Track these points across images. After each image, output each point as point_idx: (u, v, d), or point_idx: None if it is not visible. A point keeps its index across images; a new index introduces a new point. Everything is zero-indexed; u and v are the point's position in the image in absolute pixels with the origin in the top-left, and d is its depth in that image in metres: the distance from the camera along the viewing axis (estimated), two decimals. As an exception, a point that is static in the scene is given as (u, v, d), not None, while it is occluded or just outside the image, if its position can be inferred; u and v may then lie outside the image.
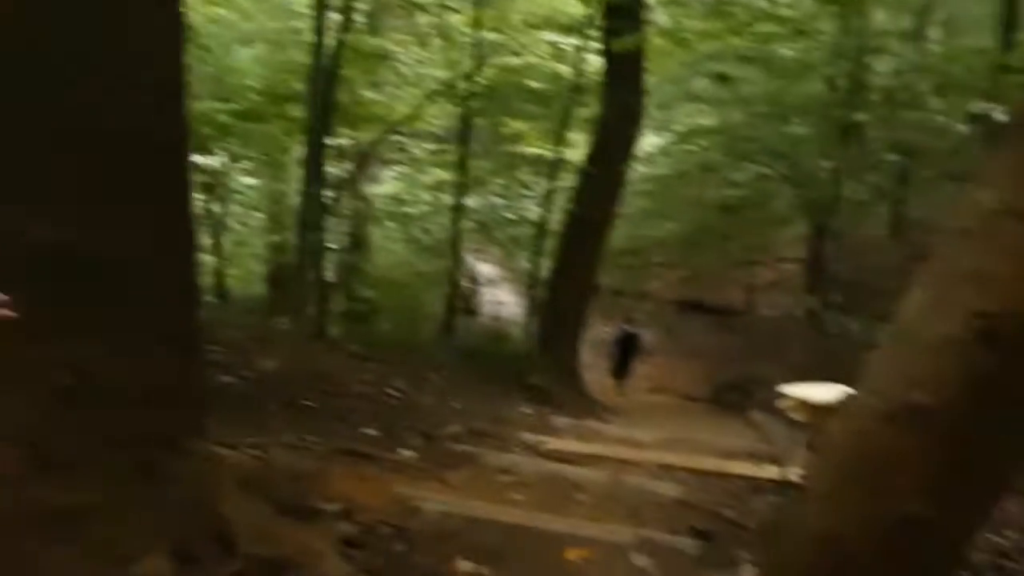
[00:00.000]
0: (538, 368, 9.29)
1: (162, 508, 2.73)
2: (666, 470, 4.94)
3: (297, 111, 9.83)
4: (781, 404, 2.35)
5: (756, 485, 4.76)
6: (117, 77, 2.57)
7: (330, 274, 11.41)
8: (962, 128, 12.86)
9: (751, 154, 14.88)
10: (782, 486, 4.70)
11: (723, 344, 17.11)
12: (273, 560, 2.87)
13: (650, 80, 11.14)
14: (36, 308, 2.30)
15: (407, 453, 4.45)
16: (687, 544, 3.38)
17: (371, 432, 4.69)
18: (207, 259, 12.21)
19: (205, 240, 11.55)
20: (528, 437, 5.38)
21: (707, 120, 16.36)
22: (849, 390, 2.31)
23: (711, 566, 3.22)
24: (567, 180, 13.77)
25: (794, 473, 4.85)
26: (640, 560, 3.18)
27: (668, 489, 4.34)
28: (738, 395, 14.51)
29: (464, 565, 3.07)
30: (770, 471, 4.94)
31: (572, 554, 3.18)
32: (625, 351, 12.55)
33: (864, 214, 15.18)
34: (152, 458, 2.71)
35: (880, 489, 1.99)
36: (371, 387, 5.87)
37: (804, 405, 2.25)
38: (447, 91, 12.05)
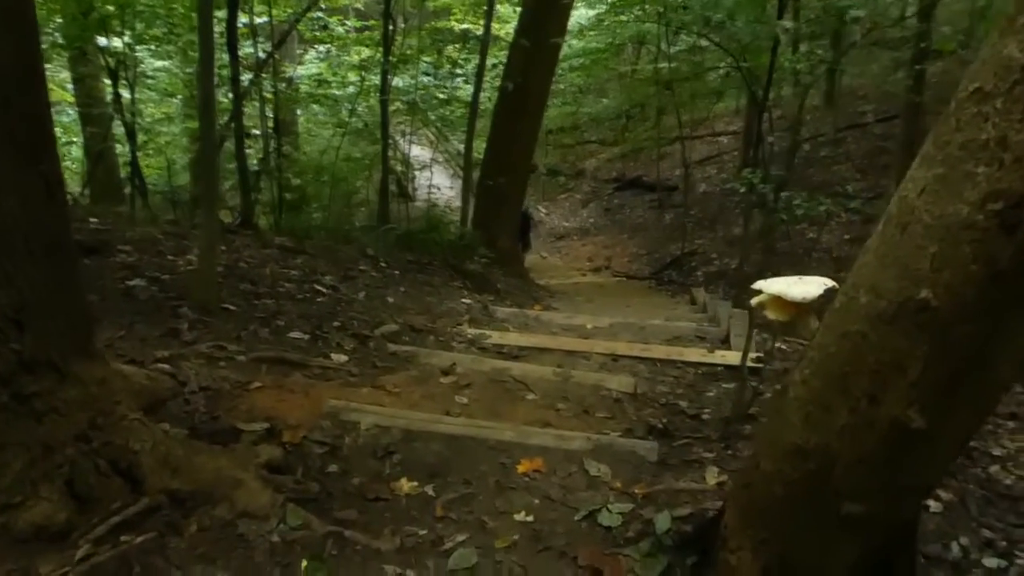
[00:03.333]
0: (476, 254, 8.96)
1: (48, 444, 2.37)
2: (616, 360, 4.72)
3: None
4: (754, 302, 2.05)
5: (709, 372, 4.58)
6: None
7: (254, 161, 10.78)
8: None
9: (686, 24, 14.33)
10: (735, 372, 4.53)
11: (661, 221, 16.99)
12: (186, 494, 2.56)
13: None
14: None
15: (339, 358, 4.11)
16: (645, 447, 3.16)
17: (298, 336, 4.32)
18: (120, 150, 11.43)
19: (116, 128, 10.77)
20: (470, 331, 5.08)
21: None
22: (830, 284, 2.03)
23: (673, 470, 3.01)
24: (498, 56, 13.12)
25: (747, 357, 4.70)
26: (597, 468, 2.94)
27: (619, 382, 4.11)
28: (678, 272, 14.51)
29: (406, 485, 2.79)
30: (722, 356, 4.77)
31: (523, 467, 2.93)
32: (523, 228, 12.49)
33: (799, 84, 14.90)
34: (28, 389, 2.32)
35: (873, 397, 1.73)
36: (298, 284, 5.46)
37: (781, 302, 1.95)
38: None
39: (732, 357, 4.76)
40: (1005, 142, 1.45)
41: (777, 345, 4.88)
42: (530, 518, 2.63)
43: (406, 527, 2.56)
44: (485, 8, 10.29)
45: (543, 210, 19.30)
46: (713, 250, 14.79)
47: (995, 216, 1.47)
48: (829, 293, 1.95)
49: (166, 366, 3.50)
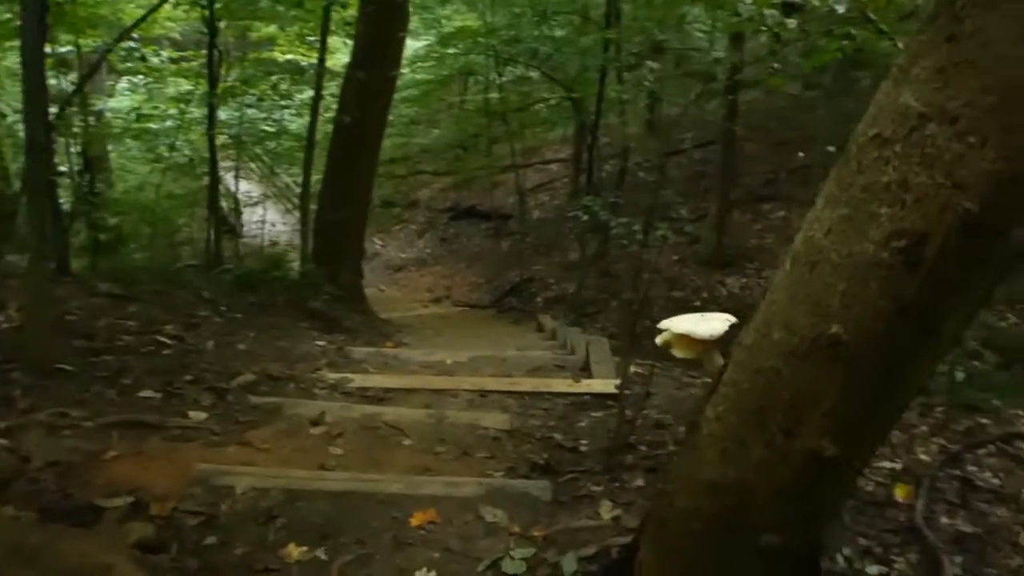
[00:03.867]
0: (320, 292, 8.71)
1: None
2: (484, 396, 4.69)
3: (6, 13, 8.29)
4: (659, 340, 2.08)
5: (577, 402, 4.63)
6: None
7: (65, 202, 10.02)
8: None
9: (514, 56, 14.68)
10: (602, 400, 4.62)
11: (498, 249, 17.22)
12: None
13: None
14: None
15: (198, 415, 3.84)
16: (539, 487, 3.14)
17: (149, 394, 4.01)
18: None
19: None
20: (330, 376, 4.90)
21: (468, 21, 15.89)
22: (732, 319, 2.09)
23: (567, 508, 3.00)
24: (328, 87, 12.89)
25: (609, 384, 4.79)
26: (493, 514, 2.89)
27: (495, 420, 4.08)
28: (518, 298, 14.72)
29: (295, 551, 2.63)
30: (588, 385, 4.84)
31: (417, 519, 2.83)
32: None
33: (624, 112, 15.57)
34: None
35: (788, 430, 1.79)
36: (139, 336, 5.09)
37: (687, 340, 1.99)
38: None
39: (597, 385, 4.85)
40: (906, 184, 1.54)
41: (633, 370, 5.00)
42: (433, 574, 2.54)
43: (302, 598, 2.41)
44: (319, 40, 10.09)
45: (379, 242, 19.10)
46: (551, 275, 15.12)
47: (899, 253, 1.56)
48: (732, 329, 2.00)
49: (3, 441, 3.15)
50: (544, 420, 4.27)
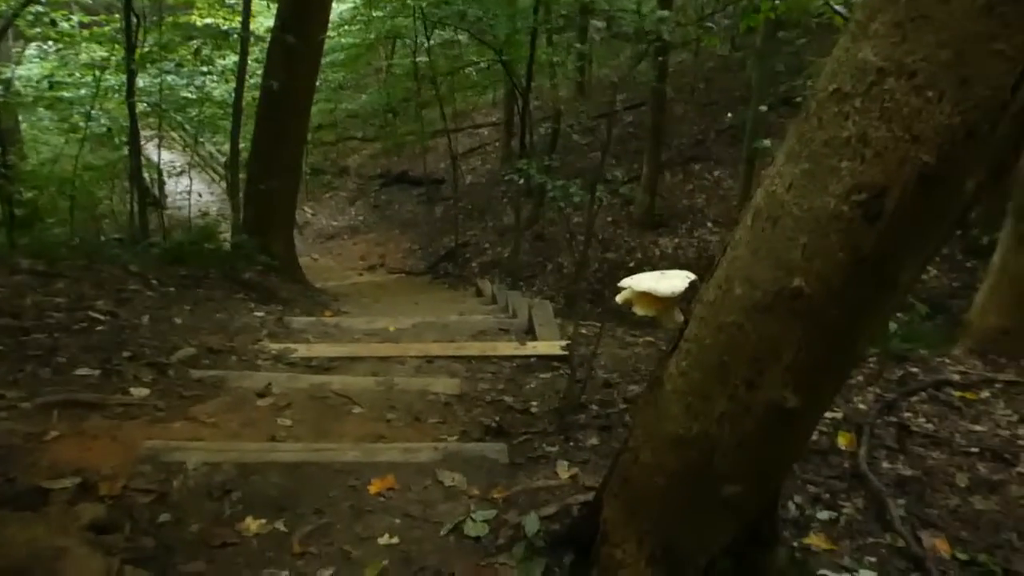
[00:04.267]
0: (254, 262, 8.53)
1: None
2: (431, 362, 4.68)
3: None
4: (620, 299, 2.09)
5: (524, 364, 4.65)
6: None
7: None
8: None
9: (443, 19, 14.47)
10: (548, 361, 4.65)
11: (432, 215, 17.11)
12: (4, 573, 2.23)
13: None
14: None
15: (140, 392, 3.73)
16: (495, 449, 3.15)
17: (87, 372, 3.88)
18: None
19: None
20: (272, 347, 4.82)
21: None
22: (692, 276, 2.11)
23: (524, 470, 3.02)
24: (253, 53, 12.55)
25: (555, 346, 4.83)
26: (451, 478, 2.89)
27: (445, 385, 4.08)
28: (453, 264, 14.68)
29: (253, 524, 2.59)
30: (534, 347, 4.87)
31: (375, 487, 2.82)
32: None
33: (556, 75, 15.54)
34: None
35: (751, 382, 1.83)
36: (69, 313, 4.91)
37: (648, 298, 2.01)
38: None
39: (543, 347, 4.88)
40: (866, 138, 1.57)
41: (580, 331, 5.04)
42: (395, 540, 2.53)
43: (264, 570, 2.38)
44: (240, 3, 9.78)
45: (309, 211, 18.79)
46: (485, 240, 15.12)
47: (859, 207, 1.59)
48: (693, 285, 2.02)
49: (-64, 425, 3.02)
50: (493, 383, 4.28)
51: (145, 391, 3.76)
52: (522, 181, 9.20)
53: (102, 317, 4.95)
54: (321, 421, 3.60)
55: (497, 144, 18.13)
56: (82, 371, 3.89)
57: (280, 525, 2.60)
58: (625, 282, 2.07)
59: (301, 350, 4.79)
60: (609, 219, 13.61)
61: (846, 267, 1.64)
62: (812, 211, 1.65)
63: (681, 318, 2.03)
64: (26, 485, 2.70)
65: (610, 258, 12.74)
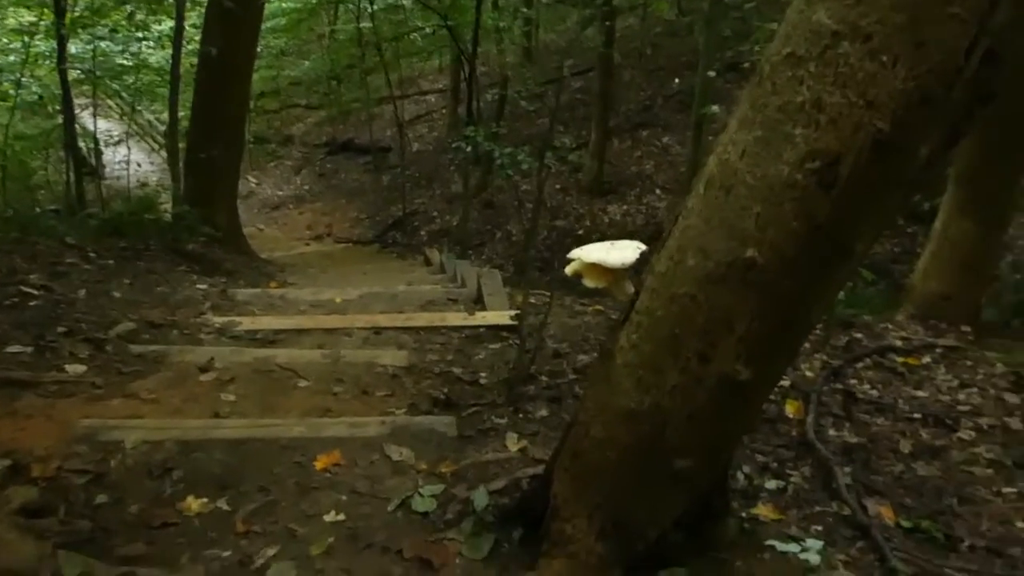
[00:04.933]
0: (196, 233, 8.31)
1: None
2: (379, 333, 4.60)
3: None
4: (569, 270, 2.05)
5: (473, 335, 4.61)
6: None
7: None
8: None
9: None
10: (497, 331, 4.61)
11: (379, 183, 16.86)
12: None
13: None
14: None
15: (75, 368, 3.59)
16: (443, 423, 3.10)
17: (19, 349, 3.72)
18: None
19: None
20: (216, 320, 4.69)
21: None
22: (642, 247, 2.08)
23: (473, 443, 2.98)
24: (189, 18, 12.15)
25: (504, 316, 4.78)
26: (399, 453, 2.84)
27: (393, 357, 4.02)
28: (402, 233, 14.51)
29: (194, 504, 2.51)
30: (483, 317, 4.82)
31: (321, 462, 2.75)
32: None
33: (503, 41, 15.36)
34: None
35: (703, 355, 1.80)
36: (4, 288, 4.72)
37: (598, 269, 1.97)
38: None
39: (492, 317, 4.83)
40: (820, 104, 1.53)
41: (530, 300, 5.00)
42: (341, 517, 2.47)
43: (207, 551, 2.31)
44: (176, -35, 9.44)
45: (254, 180, 18.40)
46: (433, 208, 14.98)
47: (813, 175, 1.56)
48: (643, 256, 1.99)
49: None
50: (441, 355, 4.22)
51: (81, 368, 3.62)
52: (469, 149, 9.07)
53: (35, 292, 4.76)
54: (266, 396, 3.51)
55: (444, 111, 17.90)
56: (14, 348, 3.74)
57: (223, 504, 2.52)
58: (574, 253, 2.02)
59: (245, 323, 4.68)
60: (558, 186, 13.56)
61: (800, 236, 1.61)
62: (766, 179, 1.61)
63: (632, 289, 1.99)
64: (-47, 469, 2.58)
65: (559, 225, 12.70)
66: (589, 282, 2.02)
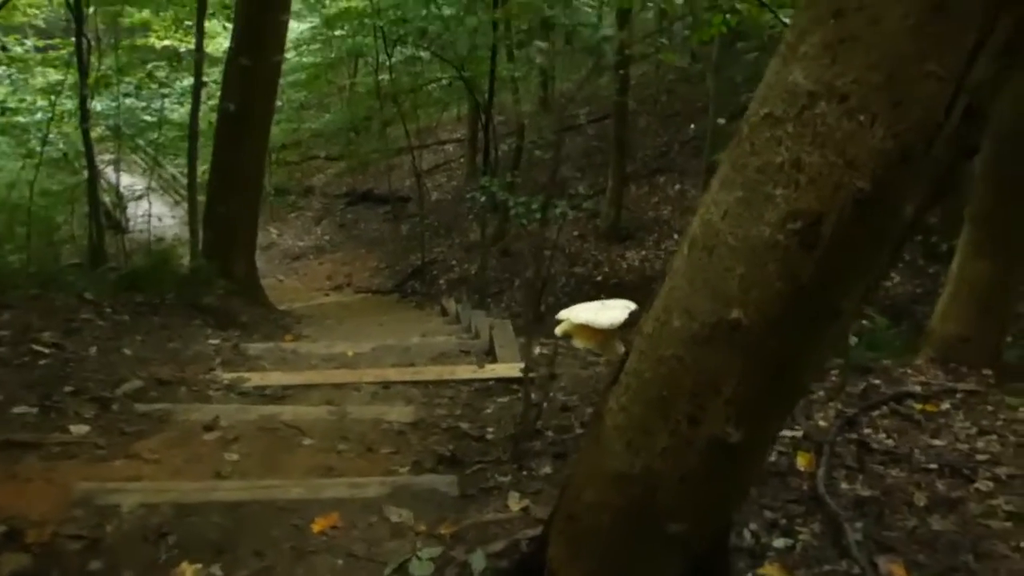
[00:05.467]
0: (213, 286, 8.37)
1: None
2: (388, 388, 4.58)
3: None
4: (559, 331, 2.02)
5: (482, 388, 4.57)
6: None
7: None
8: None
9: (403, 37, 14.40)
10: (507, 384, 4.57)
11: (398, 233, 16.99)
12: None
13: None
14: None
15: (79, 429, 3.59)
16: (445, 482, 3.05)
17: (24, 410, 3.74)
18: None
19: None
20: (225, 376, 4.69)
21: (352, 2, 15.49)
22: (632, 306, 2.05)
23: (474, 502, 2.93)
24: (211, 74, 12.41)
25: (514, 368, 4.75)
26: (398, 514, 2.79)
27: (399, 413, 3.99)
28: (421, 282, 14.57)
29: (188, 570, 2.48)
30: (493, 370, 4.79)
31: (319, 525, 2.71)
32: None
33: (518, 90, 15.52)
34: None
35: (692, 417, 1.76)
36: (12, 346, 4.75)
37: (588, 330, 1.94)
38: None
39: (502, 370, 4.79)
40: (799, 164, 1.51)
41: (537, 351, 4.96)
42: (337, 583, 2.43)
43: (199, 620, 2.27)
44: (195, 25, 9.66)
45: (275, 231, 18.60)
46: (452, 257, 15.04)
47: (795, 235, 1.53)
48: (633, 315, 1.96)
49: None
50: (450, 409, 4.19)
51: (85, 428, 3.62)
52: (484, 199, 9.12)
53: (46, 350, 4.79)
54: (270, 455, 3.49)
55: (462, 160, 18.08)
56: (20, 409, 3.75)
57: (217, 570, 2.49)
58: (563, 314, 2.00)
59: (255, 379, 4.67)
60: (576, 233, 13.59)
61: (785, 297, 1.58)
62: (748, 240, 1.58)
63: (622, 349, 1.96)
64: (-51, 535, 2.57)
65: (577, 272, 12.71)
66: (579, 343, 2.00)
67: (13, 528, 2.62)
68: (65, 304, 6.27)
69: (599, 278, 12.26)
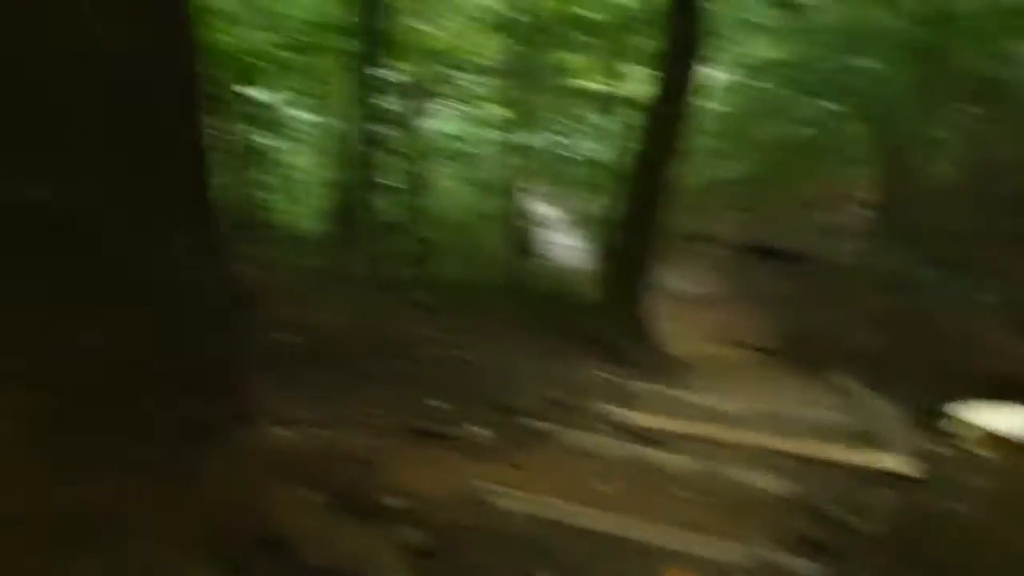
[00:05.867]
0: (606, 320, 8.80)
1: (200, 509, 2.39)
2: (762, 455, 4.48)
3: (346, 43, 9.72)
4: (967, 434, 1.86)
5: (865, 475, 4.27)
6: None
7: (388, 214, 11.12)
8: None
9: (820, 89, 13.86)
10: (896, 479, 4.23)
11: (788, 291, 16.33)
12: (332, 572, 2.52)
13: (714, 10, 10.30)
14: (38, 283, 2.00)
15: (480, 431, 4.04)
16: (804, 567, 2.93)
17: (439, 404, 4.29)
18: (261, 195, 11.89)
19: (258, 175, 11.39)
20: (613, 411, 4.92)
21: (774, 53, 15.30)
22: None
23: (834, 595, 2.77)
24: (628, 116, 13.09)
25: (902, 462, 4.37)
26: (752, 587, 2.74)
27: (770, 482, 3.89)
28: (810, 348, 13.83)
29: (539, 581, 2.67)
30: (883, 459, 4.45)
31: (673, 575, 2.76)
32: None
33: (943, 155, 14.16)
34: (186, 450, 2.35)
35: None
36: (439, 347, 5.46)
37: (992, 438, 1.76)
38: (501, 22, 11.69)
39: (888, 461, 4.44)
40: None
41: (931, 448, 4.51)
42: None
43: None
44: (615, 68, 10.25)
45: (670, 274, 18.93)
46: (845, 326, 14.11)
47: None
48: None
49: (316, 429, 3.52)
50: (823, 491, 3.98)
51: (485, 432, 4.05)
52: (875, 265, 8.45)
53: (465, 356, 5.43)
54: (639, 494, 3.61)
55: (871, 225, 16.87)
56: (435, 402, 4.31)
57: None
58: (972, 415, 1.83)
59: (637, 418, 4.84)
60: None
61: None
62: None
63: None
64: (369, 497, 3.03)
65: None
66: (980, 450, 1.82)
67: (416, 505, 3.02)
68: (482, 316, 7.03)
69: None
